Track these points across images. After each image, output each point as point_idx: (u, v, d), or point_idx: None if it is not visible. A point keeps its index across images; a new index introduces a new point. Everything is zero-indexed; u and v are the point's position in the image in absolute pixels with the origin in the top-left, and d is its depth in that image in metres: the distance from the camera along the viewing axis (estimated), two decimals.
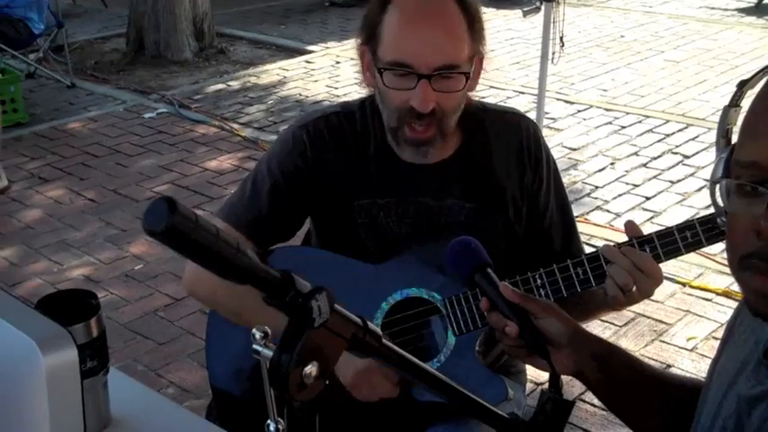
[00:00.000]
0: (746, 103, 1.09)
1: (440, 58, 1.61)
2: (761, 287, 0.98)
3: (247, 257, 0.74)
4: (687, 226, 1.58)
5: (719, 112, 1.51)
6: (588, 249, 1.75)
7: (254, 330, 0.85)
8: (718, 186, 1.05)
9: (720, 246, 1.10)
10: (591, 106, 6.10)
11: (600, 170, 5.04)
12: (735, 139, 1.09)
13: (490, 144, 1.80)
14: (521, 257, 1.79)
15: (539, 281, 1.64)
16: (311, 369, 0.80)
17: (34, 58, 6.90)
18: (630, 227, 1.61)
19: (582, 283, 1.62)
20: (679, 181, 4.86)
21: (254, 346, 0.85)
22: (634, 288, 1.54)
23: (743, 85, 1.14)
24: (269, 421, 0.88)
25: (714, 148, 1.20)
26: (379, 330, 0.88)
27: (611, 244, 1.59)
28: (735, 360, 1.17)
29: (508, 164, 1.80)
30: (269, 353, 0.82)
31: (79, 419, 0.79)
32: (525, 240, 1.83)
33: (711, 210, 1.21)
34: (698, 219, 1.58)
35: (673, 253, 1.59)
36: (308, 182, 1.79)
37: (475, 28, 1.67)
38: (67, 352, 0.77)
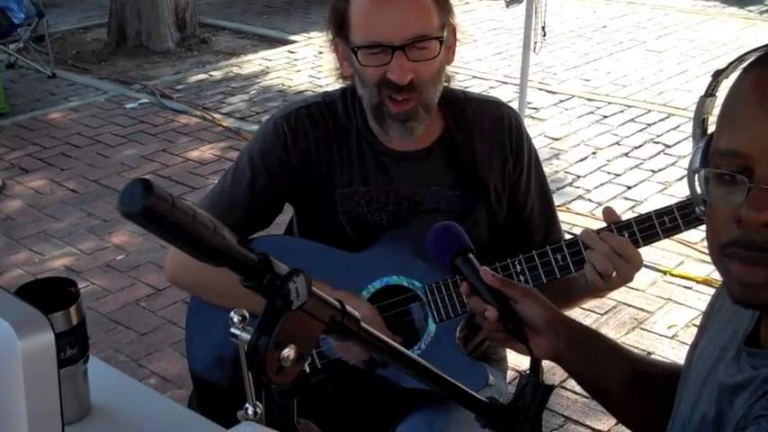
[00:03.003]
0: (722, 92, 1.09)
1: (410, 30, 1.63)
2: (742, 275, 0.99)
3: (225, 239, 0.73)
4: (665, 211, 1.59)
5: None
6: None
7: (231, 314, 0.85)
8: (696, 175, 1.06)
9: (701, 234, 1.10)
10: (573, 96, 6.11)
11: (582, 160, 5.06)
12: (711, 128, 1.10)
13: (472, 132, 1.80)
14: (502, 245, 1.80)
15: (518, 267, 1.65)
16: (289, 352, 0.80)
17: (15, 49, 6.84)
18: (608, 213, 1.62)
19: (561, 269, 1.63)
20: (660, 170, 4.88)
21: (232, 330, 0.85)
22: (614, 273, 1.55)
23: (718, 75, 1.14)
24: (247, 404, 0.88)
25: None
26: (357, 314, 0.88)
27: (590, 229, 1.60)
28: (714, 347, 1.17)
29: (490, 152, 1.80)
30: (247, 336, 0.82)
31: (56, 403, 0.79)
32: (506, 229, 1.84)
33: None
34: (676, 204, 1.58)
35: (651, 238, 1.59)
36: (289, 172, 1.79)
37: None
38: (44, 336, 0.77)
